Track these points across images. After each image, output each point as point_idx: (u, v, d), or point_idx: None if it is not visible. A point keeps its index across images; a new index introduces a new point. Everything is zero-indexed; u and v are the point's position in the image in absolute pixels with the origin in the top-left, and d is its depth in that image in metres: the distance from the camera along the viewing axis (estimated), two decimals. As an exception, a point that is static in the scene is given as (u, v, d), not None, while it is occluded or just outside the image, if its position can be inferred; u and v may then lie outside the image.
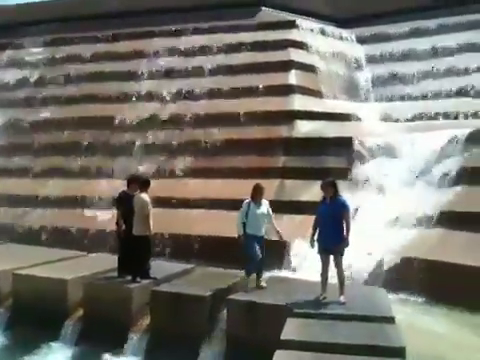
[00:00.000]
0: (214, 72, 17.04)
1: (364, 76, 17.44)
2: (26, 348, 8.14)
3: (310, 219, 7.82)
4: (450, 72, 16.32)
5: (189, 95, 16.57)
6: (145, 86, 17.39)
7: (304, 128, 14.49)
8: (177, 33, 18.99)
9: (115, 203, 9.67)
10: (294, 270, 10.71)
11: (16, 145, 17.01)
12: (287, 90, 15.73)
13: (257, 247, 8.06)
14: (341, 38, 18.67)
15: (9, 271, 9.34)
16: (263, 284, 8.16)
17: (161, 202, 12.89)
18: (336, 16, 19.83)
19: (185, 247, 11.87)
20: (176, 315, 7.90)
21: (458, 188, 11.11)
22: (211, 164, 14.35)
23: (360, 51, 18.16)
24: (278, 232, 8.19)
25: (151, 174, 13.86)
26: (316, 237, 7.51)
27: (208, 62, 17.37)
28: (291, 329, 6.49)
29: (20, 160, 16.57)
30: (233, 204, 12.70)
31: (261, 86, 15.84)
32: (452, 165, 11.56)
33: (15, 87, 19.14)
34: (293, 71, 16.23)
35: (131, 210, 8.62)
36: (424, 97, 15.99)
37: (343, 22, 19.61)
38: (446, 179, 11.44)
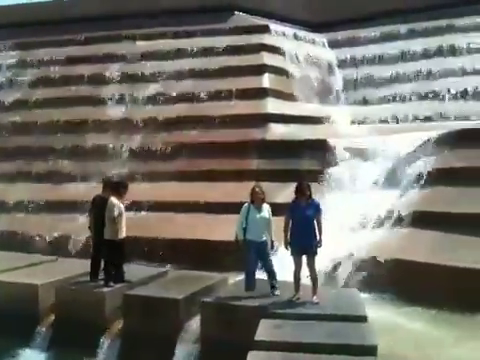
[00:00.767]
0: (187, 76, 17.01)
1: (336, 80, 17.66)
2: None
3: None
4: (419, 76, 16.66)
5: (163, 98, 16.52)
6: (117, 89, 17.27)
7: (278, 131, 14.59)
8: (148, 37, 18.90)
9: (89, 207, 9.58)
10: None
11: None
12: (260, 94, 15.82)
13: (254, 258, 7.77)
14: (314, 42, 18.88)
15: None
16: (277, 293, 7.73)
17: (135, 206, 12.90)
18: (311, 21, 20.03)
19: (159, 251, 11.79)
20: (149, 318, 7.86)
21: (427, 189, 11.29)
22: (185, 167, 14.32)
23: (332, 55, 18.39)
24: (272, 242, 7.85)
25: (125, 177, 13.80)
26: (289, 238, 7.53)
27: (181, 66, 17.33)
28: (264, 330, 6.53)
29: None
30: (208, 207, 12.86)
31: (235, 89, 15.90)
32: (422, 167, 11.75)
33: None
34: (266, 75, 16.32)
35: (103, 214, 8.55)
36: (395, 100, 16.26)
37: (316, 26, 19.81)
38: (416, 180, 11.60)
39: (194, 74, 16.96)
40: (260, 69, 16.46)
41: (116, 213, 8.43)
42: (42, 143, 16.15)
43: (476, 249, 9.28)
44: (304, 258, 7.55)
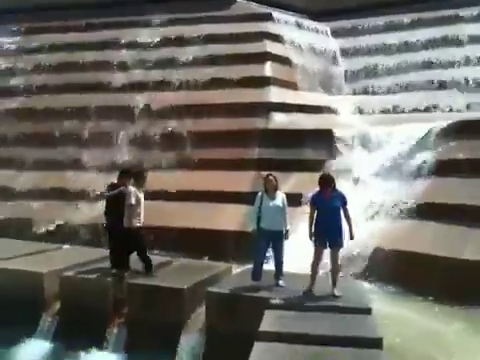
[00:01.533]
0: (189, 63, 16.91)
1: (339, 69, 17.58)
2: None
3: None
4: (423, 66, 16.60)
5: (164, 86, 16.43)
6: (119, 76, 17.17)
7: (280, 120, 14.55)
8: (151, 24, 18.78)
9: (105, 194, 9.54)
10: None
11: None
12: (263, 82, 15.74)
13: (264, 248, 7.72)
14: (317, 31, 18.76)
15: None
16: (281, 283, 7.75)
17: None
18: (311, 9, 19.91)
19: (164, 240, 11.82)
20: (153, 307, 7.89)
21: (431, 180, 11.31)
22: (187, 156, 14.31)
23: (335, 44, 18.29)
24: (287, 231, 7.76)
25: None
26: (313, 230, 7.37)
27: (183, 53, 17.22)
28: (269, 321, 6.55)
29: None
30: (210, 196, 12.86)
31: (236, 77, 15.82)
32: (426, 158, 11.75)
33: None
34: (269, 63, 16.24)
35: (117, 202, 8.56)
36: (399, 90, 16.22)
37: (318, 15, 19.69)
38: (420, 171, 11.62)
39: (196, 62, 16.85)
40: (263, 57, 16.37)
41: (133, 201, 8.47)
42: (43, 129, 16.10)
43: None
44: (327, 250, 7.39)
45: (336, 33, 18.77)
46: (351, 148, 12.93)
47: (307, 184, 12.03)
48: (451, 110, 14.86)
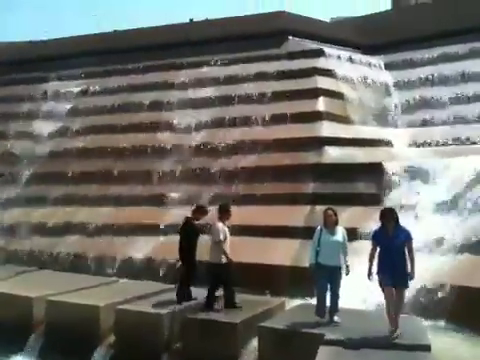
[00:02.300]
0: (243, 101, 17.24)
1: (392, 102, 17.41)
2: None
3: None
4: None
5: (219, 123, 16.80)
6: (175, 115, 17.71)
7: (333, 154, 14.49)
8: (205, 64, 19.37)
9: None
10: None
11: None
12: (315, 117, 15.79)
13: (325, 283, 7.59)
14: (369, 65, 18.74)
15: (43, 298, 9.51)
16: (336, 319, 7.62)
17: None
18: (363, 43, 19.98)
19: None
20: (207, 341, 7.89)
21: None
22: (242, 191, 14.43)
23: (388, 77, 18.18)
24: (347, 267, 7.65)
25: (184, 200, 14.30)
26: (376, 269, 7.11)
27: (237, 91, 17.60)
28: (324, 357, 6.42)
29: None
30: (264, 230, 12.84)
31: (289, 113, 15.96)
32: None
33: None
34: (321, 98, 16.30)
35: (188, 237, 8.90)
36: (455, 122, 15.83)
37: (370, 49, 19.71)
38: (478, 206, 11.19)
39: (250, 99, 17.16)
40: (314, 92, 16.47)
41: (222, 237, 8.64)
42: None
43: None
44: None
45: (389, 66, 18.65)
46: (408, 181, 12.63)
47: (359, 218, 11.89)
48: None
